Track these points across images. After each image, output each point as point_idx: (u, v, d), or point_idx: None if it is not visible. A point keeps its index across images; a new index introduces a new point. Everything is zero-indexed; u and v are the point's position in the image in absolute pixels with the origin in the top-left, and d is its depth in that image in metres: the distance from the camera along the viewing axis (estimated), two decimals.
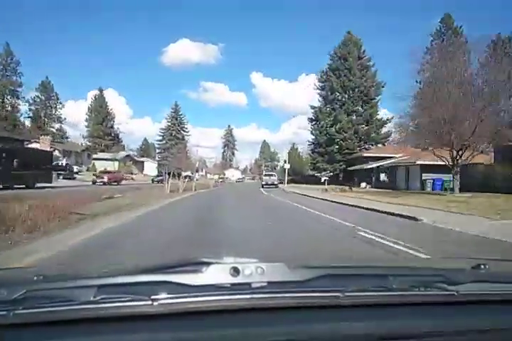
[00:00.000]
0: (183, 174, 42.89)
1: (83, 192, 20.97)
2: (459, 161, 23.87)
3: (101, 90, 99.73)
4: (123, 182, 45.78)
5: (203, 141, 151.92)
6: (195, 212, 13.93)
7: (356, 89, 51.92)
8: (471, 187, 23.54)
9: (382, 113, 54.17)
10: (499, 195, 19.13)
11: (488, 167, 27.00)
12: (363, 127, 51.62)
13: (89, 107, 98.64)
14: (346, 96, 52.68)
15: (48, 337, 0.83)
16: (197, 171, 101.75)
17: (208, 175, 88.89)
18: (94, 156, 79.71)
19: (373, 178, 42.17)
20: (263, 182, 45.67)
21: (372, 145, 52.61)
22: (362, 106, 53.05)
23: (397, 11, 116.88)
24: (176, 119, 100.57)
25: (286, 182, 51.15)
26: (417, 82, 66.78)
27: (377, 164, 40.53)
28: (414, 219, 10.88)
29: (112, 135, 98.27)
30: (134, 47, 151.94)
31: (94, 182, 36.17)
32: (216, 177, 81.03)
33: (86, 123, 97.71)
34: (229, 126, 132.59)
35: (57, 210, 9.56)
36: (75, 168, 57.68)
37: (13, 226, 7.13)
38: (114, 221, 9.80)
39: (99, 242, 6.93)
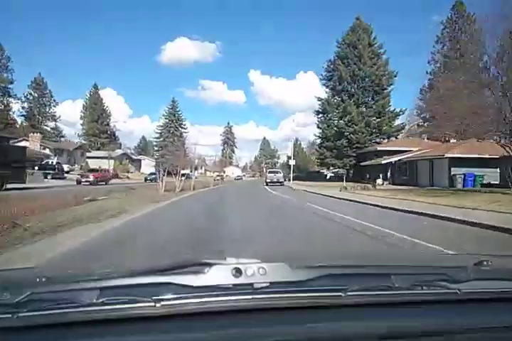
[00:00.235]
0: (182, 172, 39.60)
1: (62, 193, 17.44)
2: None
3: (96, 87, 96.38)
4: (115, 181, 42.68)
5: (202, 139, 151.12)
6: (192, 223, 9.71)
7: (367, 79, 48.02)
8: None
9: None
10: None
11: None
12: (374, 119, 47.70)
13: (84, 105, 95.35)
14: (356, 86, 48.75)
15: (52, 340, 0.84)
16: (196, 169, 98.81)
17: (208, 173, 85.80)
18: (88, 155, 75.95)
19: (389, 174, 38.42)
20: (268, 180, 41.92)
21: (383, 138, 48.75)
22: (373, 97, 49.14)
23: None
24: (174, 116, 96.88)
25: (291, 179, 47.45)
26: (427, 72, 63.37)
27: (394, 158, 36.72)
28: None
29: (108, 133, 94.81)
30: (131, 45, 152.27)
31: (79, 182, 32.36)
32: (215, 174, 77.52)
33: (81, 121, 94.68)
34: (228, 123, 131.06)
35: None
36: (66, 167, 53.95)
37: None
38: (59, 244, 6.01)
39: None
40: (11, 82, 78.73)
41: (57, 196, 15.01)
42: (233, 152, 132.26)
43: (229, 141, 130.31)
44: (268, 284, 0.93)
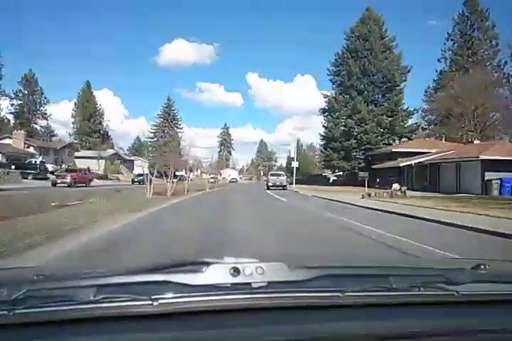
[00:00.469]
0: (177, 174, 35.91)
1: (27, 197, 14.68)
2: None
3: (88, 84, 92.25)
4: (102, 182, 38.82)
5: (199, 142, 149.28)
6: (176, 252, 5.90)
7: (378, 74, 44.06)
8: None
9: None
10: None
11: None
12: (386, 118, 43.58)
13: (75, 102, 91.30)
14: (366, 81, 44.69)
15: (49, 337, 0.83)
16: (191, 171, 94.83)
17: (204, 175, 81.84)
18: (77, 154, 71.74)
19: (404, 178, 34.42)
20: (269, 183, 37.77)
21: (395, 139, 44.76)
22: (384, 94, 45.13)
23: None
24: (169, 115, 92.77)
25: (294, 182, 43.30)
26: (436, 71, 59.64)
27: (413, 161, 32.68)
28: None
29: (101, 132, 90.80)
30: (129, 46, 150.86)
31: (54, 184, 28.02)
32: (209, 177, 73.42)
33: (73, 120, 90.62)
34: (225, 124, 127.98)
35: None
36: (51, 167, 49.79)
37: None
38: None
39: None
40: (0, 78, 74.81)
41: (17, 201, 12.89)
42: (230, 154, 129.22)
43: (226, 142, 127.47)
44: (266, 284, 0.92)
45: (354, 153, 43.67)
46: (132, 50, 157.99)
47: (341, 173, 67.53)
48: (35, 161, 46.64)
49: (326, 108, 47.48)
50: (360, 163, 43.75)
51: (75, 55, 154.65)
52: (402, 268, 1.42)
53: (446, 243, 6.82)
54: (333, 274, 1.06)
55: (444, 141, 39.85)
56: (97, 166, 69.31)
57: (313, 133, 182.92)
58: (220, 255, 1.06)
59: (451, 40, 64.32)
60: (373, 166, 38.50)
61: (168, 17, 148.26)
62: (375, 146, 42.69)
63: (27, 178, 36.71)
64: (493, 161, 24.54)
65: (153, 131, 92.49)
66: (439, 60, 62.20)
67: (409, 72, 45.81)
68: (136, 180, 42.43)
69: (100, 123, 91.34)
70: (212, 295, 0.90)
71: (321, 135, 48.79)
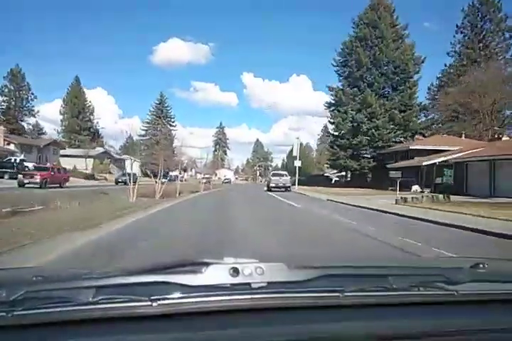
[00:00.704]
0: (172, 174, 32.03)
1: None
2: None
3: (77, 80, 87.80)
4: (86, 183, 34.84)
5: (194, 141, 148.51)
6: None
7: (390, 65, 40.10)
8: None
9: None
10: None
11: None
12: (399, 113, 39.53)
13: (64, 99, 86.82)
14: (377, 72, 40.72)
15: (47, 339, 0.83)
16: (185, 171, 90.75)
17: (198, 175, 77.74)
18: (63, 152, 67.33)
19: (423, 179, 30.54)
20: (271, 184, 33.73)
21: (408, 136, 40.75)
22: (396, 87, 41.16)
23: None
24: (162, 112, 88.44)
25: (296, 183, 39.25)
26: (445, 65, 55.90)
27: (437, 159, 28.69)
28: None
29: (90, 130, 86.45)
30: (123, 45, 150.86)
31: (21, 184, 23.82)
32: (201, 177, 69.03)
33: (61, 117, 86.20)
34: (221, 123, 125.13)
35: None
36: (31, 166, 45.46)
37: None
38: None
39: None
40: None
41: None
42: (225, 154, 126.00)
43: (221, 142, 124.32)
44: (265, 284, 0.92)
45: (364, 151, 39.61)
46: (126, 49, 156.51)
47: (343, 174, 63.96)
48: (15, 159, 42.56)
49: (333, 102, 43.39)
50: (370, 163, 39.77)
51: (69, 54, 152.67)
52: (401, 267, 1.41)
53: None
54: (333, 274, 1.04)
55: (463, 138, 36.07)
56: (85, 165, 65.35)
57: (308, 133, 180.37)
58: (220, 255, 1.03)
59: (461, 32, 60.84)
60: (388, 165, 34.47)
61: (163, 16, 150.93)
62: (387, 144, 38.77)
63: (3, 177, 32.81)
64: None
65: (145, 128, 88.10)
66: (448, 54, 58.67)
67: (423, 62, 41.95)
68: (120, 180, 38.35)
69: (90, 120, 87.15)
70: (211, 296, 0.90)
71: (326, 131, 44.61)
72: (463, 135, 36.82)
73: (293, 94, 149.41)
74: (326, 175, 71.57)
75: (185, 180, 72.22)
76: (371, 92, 39.50)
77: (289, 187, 34.23)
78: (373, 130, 38.51)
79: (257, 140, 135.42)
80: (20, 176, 25.32)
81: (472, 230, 8.71)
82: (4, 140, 55.44)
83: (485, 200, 19.22)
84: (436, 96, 47.52)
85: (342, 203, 17.19)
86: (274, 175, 35.80)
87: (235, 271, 0.92)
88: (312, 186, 41.85)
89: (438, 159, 28.36)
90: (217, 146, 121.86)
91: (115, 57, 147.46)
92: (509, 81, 44.80)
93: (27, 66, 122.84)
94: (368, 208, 14.35)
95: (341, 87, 42.66)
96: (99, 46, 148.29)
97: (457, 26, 60.68)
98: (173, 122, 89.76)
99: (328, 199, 20.24)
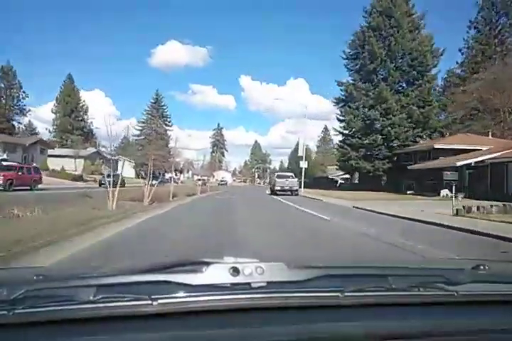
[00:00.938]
0: (168, 176, 28.62)
1: None
2: None
3: (70, 77, 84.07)
4: (70, 184, 31.12)
5: (191, 144, 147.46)
6: None
7: (407, 57, 36.43)
8: None
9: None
10: None
11: None
12: (417, 109, 35.76)
13: (57, 97, 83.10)
14: (392, 65, 37.05)
15: (48, 337, 0.83)
16: (181, 172, 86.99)
17: (195, 177, 74.03)
18: (52, 152, 63.38)
19: (445, 182, 26.87)
20: (276, 187, 29.98)
21: (422, 136, 37.05)
22: (413, 81, 37.41)
23: None
24: (157, 111, 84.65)
25: (303, 186, 35.45)
26: (457, 63, 52.45)
27: (470, 160, 24.95)
28: None
29: (84, 130, 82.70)
30: (121, 47, 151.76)
31: None
32: (196, 179, 65.21)
33: (54, 116, 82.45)
34: (218, 124, 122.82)
35: None
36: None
37: None
38: None
39: None
40: None
41: None
42: (223, 155, 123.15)
43: (219, 143, 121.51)
44: (265, 284, 0.92)
45: (378, 152, 35.86)
46: (124, 52, 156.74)
47: (348, 176, 60.27)
48: None
49: (343, 97, 39.63)
50: (384, 164, 36.01)
51: (67, 55, 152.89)
52: (401, 268, 1.40)
53: None
54: (333, 274, 1.04)
55: (490, 137, 32.49)
56: (74, 166, 61.60)
57: (306, 136, 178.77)
58: (220, 255, 1.02)
59: (475, 28, 57.55)
60: (408, 167, 30.77)
61: (162, 19, 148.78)
62: (404, 143, 35.08)
63: None
64: None
65: (140, 128, 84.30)
66: (460, 50, 55.29)
67: (441, 55, 38.30)
68: (104, 182, 34.39)
69: (83, 120, 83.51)
70: (212, 295, 0.90)
71: (335, 130, 40.97)
72: (489, 134, 33.22)
73: (290, 97, 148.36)
74: (330, 177, 68.11)
75: (181, 182, 68.77)
76: (386, 86, 35.78)
77: (297, 190, 30.51)
78: (389, 128, 34.74)
79: (256, 141, 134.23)
80: None
81: None
82: None
83: None
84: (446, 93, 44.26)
85: (380, 213, 13.39)
86: (279, 176, 31.97)
87: (235, 271, 0.91)
88: (317, 189, 38.31)
89: (472, 159, 24.63)
90: (215, 148, 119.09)
91: (113, 59, 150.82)
92: None
93: (23, 66, 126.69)
94: (432, 223, 10.40)
95: (352, 82, 38.86)
96: (97, 48, 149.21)
97: (470, 21, 57.50)
98: (169, 122, 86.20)
99: (355, 207, 16.50)
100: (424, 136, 37.23)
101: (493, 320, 0.98)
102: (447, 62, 79.43)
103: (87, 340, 0.83)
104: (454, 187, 13.51)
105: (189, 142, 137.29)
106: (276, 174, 33.85)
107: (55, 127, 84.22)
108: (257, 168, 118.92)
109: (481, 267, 1.17)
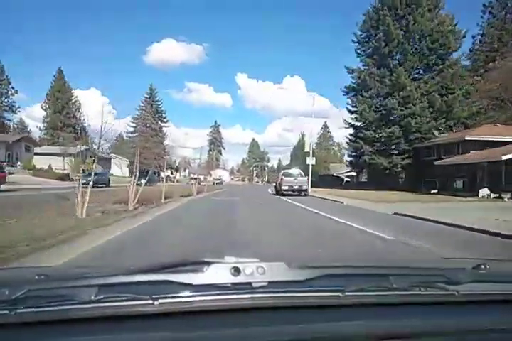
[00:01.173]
0: (164, 174, 25.17)
1: None
2: None
3: (60, 72, 79.88)
4: (54, 184, 27.39)
5: (188, 142, 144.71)
6: None
7: (427, 38, 32.41)
8: None
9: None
10: None
11: None
12: (439, 97, 31.71)
13: (47, 93, 78.96)
14: (410, 48, 33.06)
15: (49, 337, 0.84)
16: (177, 171, 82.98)
17: (192, 176, 69.97)
18: (38, 150, 59.38)
19: (481, 179, 23.01)
20: (284, 187, 26.01)
21: (450, 126, 32.94)
22: (433, 66, 33.40)
23: None
24: (152, 106, 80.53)
25: (309, 185, 31.45)
26: (470, 51, 48.45)
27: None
28: None
29: (75, 127, 78.46)
30: (116, 45, 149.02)
31: None
32: (194, 177, 61.25)
33: (44, 113, 78.34)
34: (215, 122, 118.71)
35: None
36: None
37: None
38: None
39: None
40: None
41: None
42: (220, 153, 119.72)
43: (216, 141, 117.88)
44: (266, 283, 0.92)
45: (395, 146, 31.83)
46: (120, 50, 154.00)
47: (354, 174, 56.43)
48: None
49: (355, 86, 35.56)
50: (403, 160, 31.99)
51: (62, 54, 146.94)
52: (402, 267, 1.38)
53: None
54: (333, 274, 1.04)
55: None
56: (62, 164, 57.64)
57: (306, 133, 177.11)
58: (221, 255, 1.01)
59: (490, 13, 53.78)
60: (437, 162, 26.75)
61: (157, 16, 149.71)
62: (425, 135, 31.06)
63: None
64: None
65: (134, 124, 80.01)
66: (473, 37, 51.37)
67: (464, 37, 34.27)
68: (84, 181, 30.46)
69: (74, 116, 79.25)
70: (212, 295, 0.90)
71: (346, 122, 36.91)
72: None
73: (287, 95, 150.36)
74: (335, 175, 64.31)
75: (177, 181, 64.82)
76: (404, 71, 31.72)
77: (306, 190, 26.59)
78: (409, 118, 30.67)
79: (253, 139, 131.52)
80: None
81: None
82: None
83: None
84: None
85: (450, 225, 9.32)
86: (286, 174, 27.84)
87: (236, 270, 0.91)
88: (323, 187, 34.54)
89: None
90: (212, 146, 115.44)
91: (108, 57, 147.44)
92: None
93: (18, 65, 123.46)
94: None
95: (365, 68, 34.71)
96: (91, 46, 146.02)
97: (484, 5, 53.77)
98: (164, 118, 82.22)
99: (397, 214, 12.54)
100: (441, 129, 33.13)
101: (493, 320, 0.97)
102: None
103: (88, 340, 0.83)
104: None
105: (186, 140, 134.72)
106: (282, 172, 29.64)
107: (45, 124, 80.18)
108: (255, 166, 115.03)
109: (482, 266, 1.16)
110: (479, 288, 1.08)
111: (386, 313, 0.95)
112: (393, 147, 32.08)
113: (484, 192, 21.08)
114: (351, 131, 36.80)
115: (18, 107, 76.34)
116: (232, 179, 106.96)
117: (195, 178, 37.41)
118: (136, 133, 76.60)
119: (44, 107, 80.00)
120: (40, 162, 55.57)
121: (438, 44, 32.21)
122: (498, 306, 1.02)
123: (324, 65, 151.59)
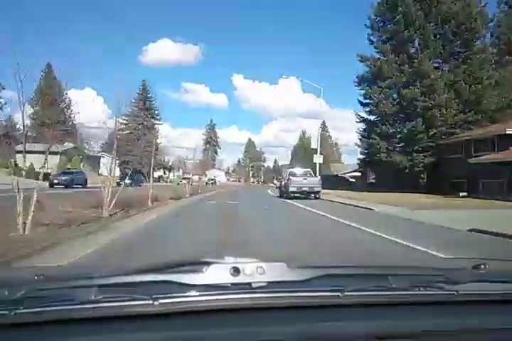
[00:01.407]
0: (156, 175, 21.83)
1: None
2: None
3: (49, 66, 75.53)
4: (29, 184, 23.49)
5: (183, 143, 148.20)
6: None
7: (452, 21, 28.76)
8: None
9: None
10: None
11: None
12: (468, 87, 27.99)
13: (36, 89, 74.64)
14: (432, 32, 29.33)
15: (49, 337, 0.84)
16: (170, 170, 79.09)
17: (184, 176, 66.43)
18: (20, 148, 54.51)
19: None
20: (292, 189, 22.17)
21: (469, 122, 29.35)
22: (459, 53, 29.79)
23: None
24: (144, 103, 76.51)
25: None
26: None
27: None
28: None
29: (67, 125, 74.38)
30: (112, 45, 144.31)
31: None
32: (185, 177, 57.58)
33: (32, 110, 74.01)
34: (211, 120, 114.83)
35: None
36: None
37: None
38: None
39: None
40: None
41: None
42: (216, 153, 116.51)
43: (212, 140, 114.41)
44: (266, 283, 0.92)
45: (417, 141, 28.07)
46: (115, 50, 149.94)
47: (359, 174, 52.94)
48: None
49: (368, 75, 31.81)
50: (425, 157, 28.26)
51: (58, 53, 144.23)
52: (401, 267, 1.39)
53: None
54: (333, 274, 1.04)
55: None
56: (47, 163, 53.49)
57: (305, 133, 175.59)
58: (221, 255, 1.01)
59: (505, 2, 50.34)
60: (472, 160, 23.06)
61: (153, 17, 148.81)
62: (452, 129, 27.40)
63: None
64: None
65: (125, 121, 75.83)
66: (487, 24, 47.77)
67: (491, 21, 30.69)
68: (57, 181, 27.29)
69: (64, 113, 74.90)
70: (212, 295, 0.90)
71: (358, 116, 33.08)
72: None
73: (283, 96, 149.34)
74: (340, 175, 60.81)
75: (170, 181, 61.13)
76: (425, 58, 28.03)
77: (319, 192, 22.83)
78: (435, 110, 26.96)
79: (249, 139, 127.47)
80: None
81: None
82: None
83: None
84: None
85: None
86: (293, 174, 23.92)
87: (236, 271, 0.91)
88: (329, 189, 30.92)
89: None
90: (208, 145, 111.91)
91: (104, 57, 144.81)
92: None
93: (13, 65, 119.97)
94: None
95: (379, 56, 30.96)
96: (88, 46, 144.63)
97: None
98: (157, 115, 78.19)
99: (473, 230, 8.80)
100: (462, 123, 29.42)
101: (492, 319, 0.97)
102: None
103: (88, 340, 0.83)
104: None
105: (181, 140, 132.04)
106: (288, 171, 25.65)
107: (32, 121, 75.64)
108: (251, 166, 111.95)
109: (482, 266, 1.16)
110: (479, 287, 1.07)
111: (386, 313, 0.95)
112: (414, 143, 28.31)
113: None
114: (363, 125, 33.03)
115: (6, 103, 71.89)
116: (228, 179, 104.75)
117: (188, 178, 33.91)
118: (128, 131, 72.86)
119: (30, 103, 75.36)
120: (22, 160, 51.27)
121: (464, 28, 28.54)
122: (498, 306, 1.00)
123: (320, 66, 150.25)
